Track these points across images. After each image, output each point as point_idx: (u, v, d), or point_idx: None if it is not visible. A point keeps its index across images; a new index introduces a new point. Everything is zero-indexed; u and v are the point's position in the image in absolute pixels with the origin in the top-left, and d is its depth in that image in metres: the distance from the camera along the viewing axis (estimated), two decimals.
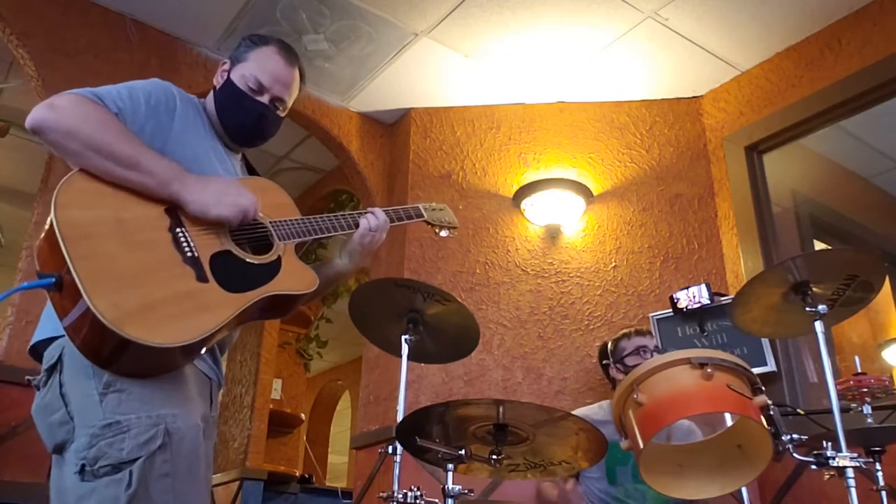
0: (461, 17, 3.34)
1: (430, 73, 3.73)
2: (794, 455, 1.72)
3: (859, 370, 2.29)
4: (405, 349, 2.27)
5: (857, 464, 1.77)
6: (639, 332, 2.83)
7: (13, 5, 3.20)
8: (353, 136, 4.04)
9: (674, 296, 3.20)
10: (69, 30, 3.31)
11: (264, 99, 1.76)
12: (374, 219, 1.84)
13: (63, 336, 1.42)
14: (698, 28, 3.35)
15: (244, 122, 1.76)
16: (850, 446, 1.82)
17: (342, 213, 1.84)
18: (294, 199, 1.77)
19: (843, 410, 1.93)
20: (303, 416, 6.23)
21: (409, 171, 3.84)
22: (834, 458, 1.78)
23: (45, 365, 1.46)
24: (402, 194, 3.84)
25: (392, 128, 4.17)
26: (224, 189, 1.54)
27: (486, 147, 3.87)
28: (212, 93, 1.80)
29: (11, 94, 4.11)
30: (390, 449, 2.22)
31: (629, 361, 2.75)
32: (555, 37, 3.44)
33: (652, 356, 2.72)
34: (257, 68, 1.75)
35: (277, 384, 5.77)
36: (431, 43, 3.51)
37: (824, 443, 1.81)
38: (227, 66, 1.80)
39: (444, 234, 2.12)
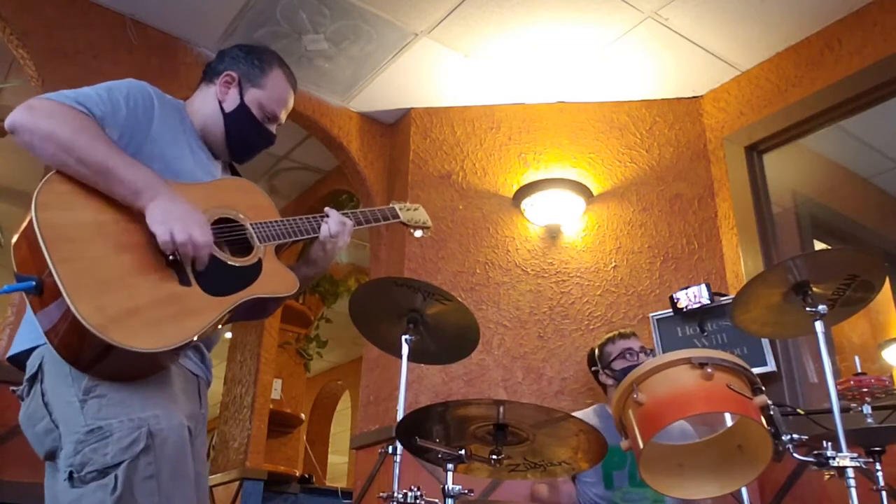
0: (461, 17, 3.34)
1: (430, 72, 3.73)
2: (794, 455, 1.72)
3: (859, 370, 2.29)
4: (405, 349, 2.27)
5: (858, 464, 1.77)
6: (622, 336, 2.85)
7: (13, 5, 3.19)
8: (353, 136, 4.04)
9: (674, 296, 3.20)
10: (69, 30, 3.31)
11: (273, 128, 1.85)
12: (334, 225, 1.81)
13: (42, 345, 1.41)
14: (698, 28, 3.35)
15: (253, 147, 1.84)
16: (850, 446, 1.82)
17: (320, 214, 1.84)
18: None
19: (843, 410, 1.93)
20: (303, 416, 6.23)
21: (409, 171, 3.84)
22: (834, 458, 1.78)
23: (27, 375, 1.46)
24: (402, 194, 3.83)
25: (392, 128, 4.17)
26: (188, 215, 1.47)
27: (486, 147, 3.87)
28: (216, 106, 1.79)
29: (11, 94, 4.11)
30: (390, 449, 2.22)
31: (616, 365, 2.78)
32: (555, 37, 3.44)
33: (638, 357, 2.77)
34: (274, 100, 1.82)
35: (277, 384, 5.77)
36: (431, 43, 3.51)
37: (824, 443, 1.81)
38: (231, 80, 1.81)
39: (418, 233, 2.12)
